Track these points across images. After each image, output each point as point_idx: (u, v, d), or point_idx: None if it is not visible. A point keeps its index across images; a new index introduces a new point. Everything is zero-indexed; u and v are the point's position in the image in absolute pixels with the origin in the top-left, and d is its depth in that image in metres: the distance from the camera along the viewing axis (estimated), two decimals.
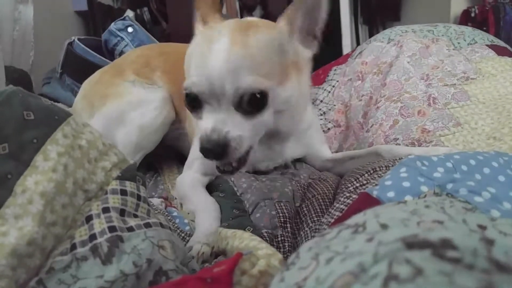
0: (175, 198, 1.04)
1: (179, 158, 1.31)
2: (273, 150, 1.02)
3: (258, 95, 0.78)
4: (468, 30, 1.34)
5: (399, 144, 1.03)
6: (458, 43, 1.27)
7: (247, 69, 0.77)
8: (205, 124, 0.79)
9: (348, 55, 1.50)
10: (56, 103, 0.67)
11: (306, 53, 0.89)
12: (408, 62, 1.23)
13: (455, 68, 1.17)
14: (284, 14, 0.87)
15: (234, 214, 0.85)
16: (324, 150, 1.12)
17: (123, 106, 1.12)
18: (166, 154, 1.32)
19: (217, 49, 0.78)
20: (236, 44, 0.78)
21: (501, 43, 1.28)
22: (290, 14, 0.85)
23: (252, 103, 0.78)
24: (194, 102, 0.81)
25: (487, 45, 1.23)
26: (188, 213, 0.92)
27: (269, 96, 0.79)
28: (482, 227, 0.38)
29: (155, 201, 0.94)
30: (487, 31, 2.22)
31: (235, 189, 0.93)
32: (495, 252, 0.29)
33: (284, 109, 0.85)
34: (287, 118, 0.90)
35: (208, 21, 0.89)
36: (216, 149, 0.76)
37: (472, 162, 0.65)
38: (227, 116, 0.78)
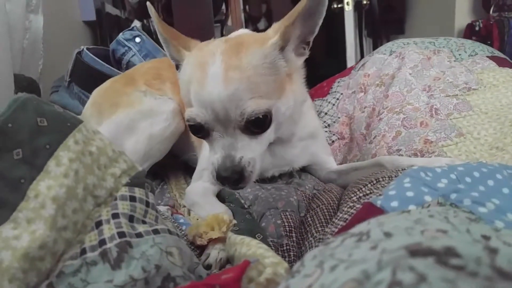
0: (183, 206, 1.04)
1: (186, 168, 1.32)
2: (278, 157, 1.03)
3: (261, 116, 0.78)
4: (468, 42, 1.35)
5: (402, 155, 1.04)
6: (459, 54, 1.28)
7: (247, 93, 0.76)
8: (216, 153, 0.79)
9: (351, 68, 1.52)
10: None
11: (298, 61, 0.89)
12: (410, 74, 1.24)
13: (457, 79, 1.18)
14: (277, 24, 0.85)
15: (246, 219, 0.86)
16: (329, 162, 1.13)
17: (133, 115, 1.13)
18: (172, 163, 1.33)
19: (214, 76, 0.77)
20: (231, 68, 0.77)
21: (501, 55, 1.29)
22: (285, 26, 0.83)
23: (257, 124, 0.79)
24: (200, 131, 0.81)
25: (487, 57, 1.24)
26: (198, 219, 0.93)
27: (272, 114, 0.80)
28: (486, 237, 0.38)
29: (161, 208, 0.95)
30: (491, 45, 2.23)
31: (242, 201, 0.94)
32: (498, 260, 0.30)
33: (283, 120, 0.86)
34: (285, 125, 0.91)
35: (189, 46, 0.88)
36: (233, 176, 0.77)
37: (476, 174, 0.66)
38: (235, 139, 0.79)
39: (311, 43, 0.89)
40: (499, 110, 1.05)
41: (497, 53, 1.29)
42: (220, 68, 0.77)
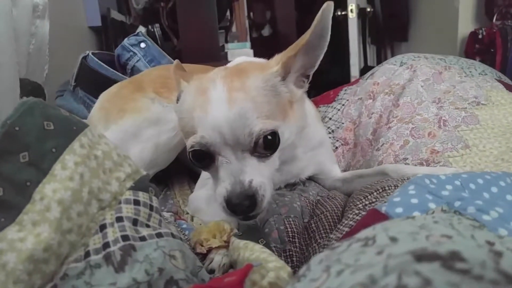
0: (186, 213, 1.04)
1: (190, 174, 1.32)
2: (285, 172, 1.02)
3: (269, 137, 0.76)
4: (477, 63, 1.37)
5: (408, 164, 1.04)
6: (470, 71, 1.29)
7: (253, 112, 0.75)
8: (224, 180, 0.76)
9: (359, 79, 1.53)
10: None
11: (298, 93, 0.88)
12: (421, 86, 1.25)
13: (467, 93, 1.18)
14: (279, 56, 0.85)
15: (250, 225, 0.85)
16: (334, 170, 1.13)
17: (140, 122, 1.12)
18: (176, 169, 1.33)
19: (218, 98, 0.76)
20: (234, 90, 0.76)
21: (508, 81, 1.30)
22: (287, 57, 0.83)
23: (267, 145, 0.77)
24: (204, 158, 0.78)
25: (495, 79, 1.25)
26: (200, 224, 0.93)
27: (279, 135, 0.78)
28: (490, 243, 0.39)
29: (165, 215, 0.95)
30: (494, 53, 2.23)
31: None
32: (503, 264, 0.30)
33: (286, 146, 0.84)
34: (287, 150, 0.89)
35: (191, 79, 0.88)
36: (245, 202, 0.72)
37: (480, 181, 0.66)
38: (243, 164, 0.76)
39: (310, 77, 0.88)
40: (506, 127, 1.06)
41: (504, 78, 1.31)
42: (223, 91, 0.76)
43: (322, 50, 0.84)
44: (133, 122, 1.12)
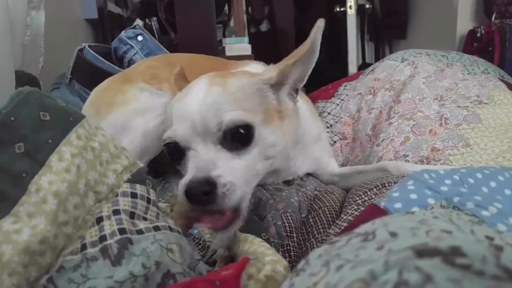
0: None
1: None
2: (281, 174, 1.02)
3: (242, 131, 0.73)
4: (480, 60, 1.36)
5: (408, 161, 1.04)
6: (472, 69, 1.29)
7: (228, 104, 0.74)
8: (190, 168, 0.71)
9: (359, 73, 1.52)
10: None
11: (289, 104, 0.87)
12: (423, 83, 1.25)
13: (469, 91, 1.18)
14: (276, 65, 0.86)
15: (254, 220, 0.86)
16: (331, 164, 1.13)
17: (128, 113, 1.11)
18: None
19: (196, 91, 0.77)
20: (214, 85, 0.77)
21: (511, 80, 1.30)
22: (284, 65, 0.83)
23: (237, 138, 0.74)
24: (176, 152, 0.77)
25: (498, 78, 1.25)
26: None
27: (255, 130, 0.75)
28: (490, 238, 0.38)
29: (161, 205, 0.94)
30: (492, 51, 2.24)
31: None
32: (504, 259, 0.30)
33: (270, 155, 0.81)
34: (278, 161, 0.87)
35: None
36: (201, 188, 0.66)
37: (479, 175, 0.66)
38: (215, 155, 0.72)
39: (299, 91, 0.89)
40: (507, 126, 1.06)
41: (508, 77, 1.31)
42: (203, 85, 0.78)
43: (312, 64, 0.84)
44: (121, 115, 1.11)
